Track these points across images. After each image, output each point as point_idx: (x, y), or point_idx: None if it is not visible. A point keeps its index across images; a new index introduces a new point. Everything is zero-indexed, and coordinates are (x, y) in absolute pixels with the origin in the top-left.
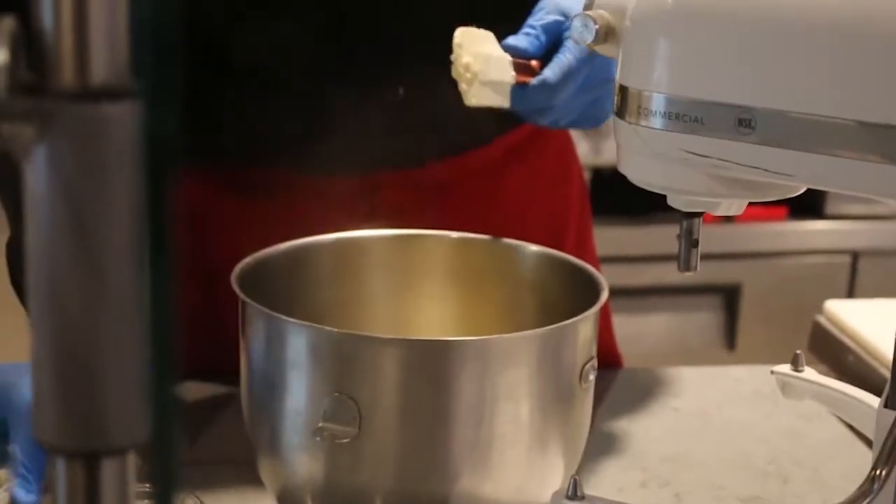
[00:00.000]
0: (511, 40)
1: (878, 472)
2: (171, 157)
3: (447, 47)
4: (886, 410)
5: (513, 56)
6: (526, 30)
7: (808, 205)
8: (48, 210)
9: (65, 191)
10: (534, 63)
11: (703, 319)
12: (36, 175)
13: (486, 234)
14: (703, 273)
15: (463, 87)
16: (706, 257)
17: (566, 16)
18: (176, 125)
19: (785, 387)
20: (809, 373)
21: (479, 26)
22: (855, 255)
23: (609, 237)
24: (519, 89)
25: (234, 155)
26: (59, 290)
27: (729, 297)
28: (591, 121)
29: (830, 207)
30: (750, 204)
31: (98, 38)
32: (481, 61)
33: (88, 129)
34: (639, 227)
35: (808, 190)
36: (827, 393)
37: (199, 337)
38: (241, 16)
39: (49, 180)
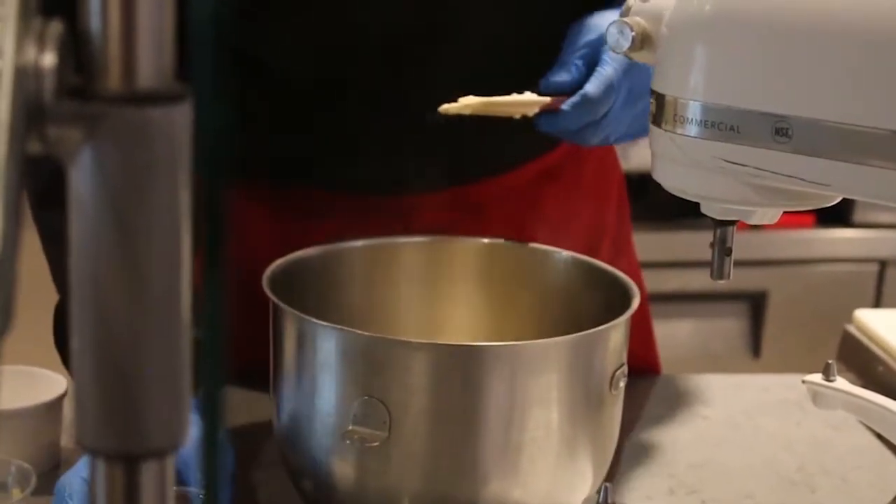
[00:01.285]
0: (552, 77)
1: None
2: (225, 156)
3: (487, 70)
4: None
5: (555, 92)
6: (564, 62)
7: (836, 213)
8: (92, 214)
9: (110, 194)
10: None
11: (729, 326)
12: (81, 179)
13: None
14: (729, 280)
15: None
16: (733, 264)
17: (599, 34)
18: (230, 124)
19: (816, 396)
20: (841, 382)
21: (514, 55)
22: (883, 264)
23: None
24: (563, 111)
25: (272, 171)
26: (102, 293)
27: (755, 305)
28: (641, 132)
29: (858, 216)
30: None
31: (145, 42)
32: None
33: (134, 133)
34: (664, 233)
35: None
36: (858, 403)
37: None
38: (288, 37)
39: (94, 184)
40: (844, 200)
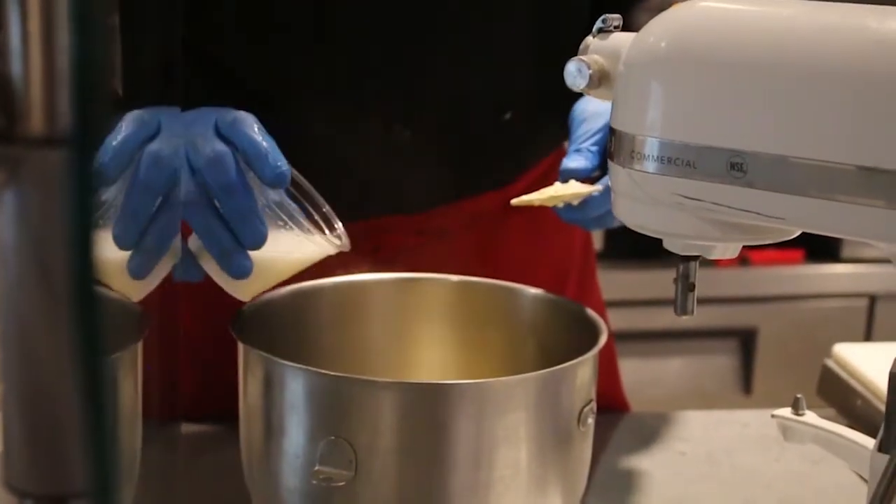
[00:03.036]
0: (569, 164)
1: None
2: (92, 209)
3: (456, 93)
4: (880, 454)
5: (574, 178)
6: (579, 149)
7: (825, 248)
8: (15, 257)
9: (32, 237)
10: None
11: (720, 363)
12: (3, 222)
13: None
14: (719, 316)
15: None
16: (722, 301)
17: (607, 120)
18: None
19: (786, 431)
20: (810, 416)
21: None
22: (872, 299)
23: (624, 281)
24: (587, 200)
25: None
26: (27, 338)
27: (745, 341)
28: None
29: (847, 251)
30: (766, 247)
31: (67, 85)
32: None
33: (56, 176)
34: (654, 271)
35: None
36: (827, 437)
37: (210, 376)
38: (257, 56)
39: (17, 227)
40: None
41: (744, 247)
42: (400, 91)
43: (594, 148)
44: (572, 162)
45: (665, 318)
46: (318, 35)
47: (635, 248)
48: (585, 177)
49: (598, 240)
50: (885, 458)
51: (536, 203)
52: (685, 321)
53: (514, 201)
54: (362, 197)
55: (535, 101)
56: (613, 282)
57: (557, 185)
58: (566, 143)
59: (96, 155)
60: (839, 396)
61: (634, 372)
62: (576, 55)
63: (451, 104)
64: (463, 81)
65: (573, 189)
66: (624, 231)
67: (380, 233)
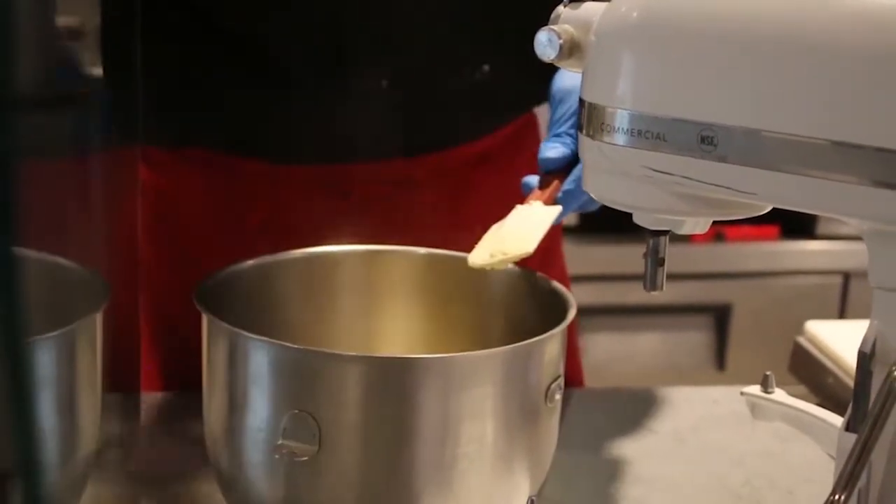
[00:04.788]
0: (547, 153)
1: (836, 496)
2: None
3: (434, 43)
4: (847, 434)
5: (551, 168)
6: (558, 134)
7: (800, 225)
8: None
9: None
10: None
11: (694, 339)
12: None
13: (456, 233)
14: (693, 292)
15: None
16: (697, 277)
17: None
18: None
19: (754, 408)
20: (779, 394)
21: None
22: (846, 276)
23: (598, 256)
24: (565, 194)
25: (213, 140)
26: None
27: (720, 317)
28: None
29: (822, 228)
30: (741, 224)
31: None
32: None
33: None
34: (628, 246)
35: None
36: (796, 415)
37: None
38: (237, 4)
39: None
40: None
41: (719, 223)
42: (377, 41)
43: (572, 130)
44: (550, 151)
45: (639, 294)
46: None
47: (609, 223)
48: (565, 164)
49: (572, 215)
50: (852, 437)
51: (488, 268)
52: (660, 297)
53: (470, 261)
54: (335, 141)
55: (514, 55)
56: (587, 257)
57: (518, 208)
58: (544, 118)
59: None
60: (811, 374)
61: (608, 348)
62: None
63: (428, 56)
64: (441, 34)
65: (524, 244)
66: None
67: (353, 181)
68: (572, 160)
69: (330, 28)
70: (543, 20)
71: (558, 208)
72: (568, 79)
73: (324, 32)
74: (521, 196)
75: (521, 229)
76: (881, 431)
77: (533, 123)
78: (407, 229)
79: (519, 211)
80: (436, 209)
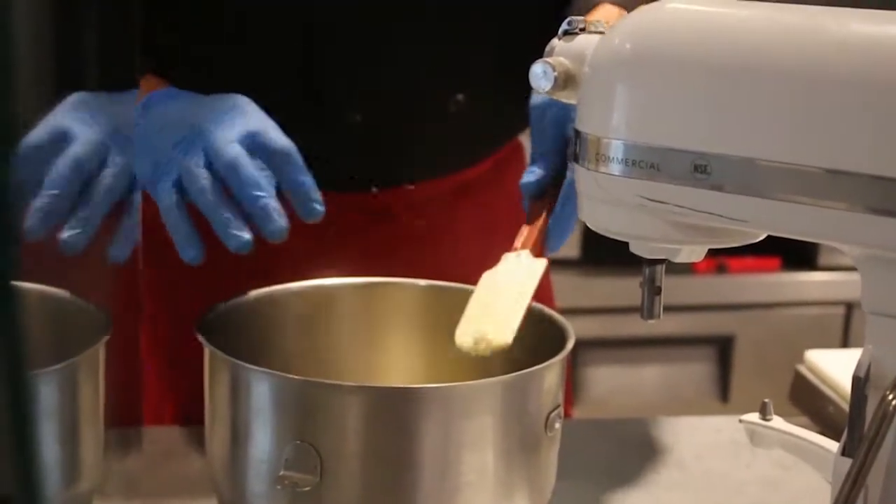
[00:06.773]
0: (525, 178)
1: None
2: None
3: (410, 76)
4: (843, 458)
5: (533, 193)
6: (535, 162)
7: (802, 256)
8: None
9: None
10: None
11: (697, 371)
12: None
13: (437, 265)
14: (696, 324)
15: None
16: (700, 308)
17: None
18: None
19: (753, 435)
20: (777, 421)
21: (449, 58)
22: (849, 307)
23: (602, 288)
24: (554, 221)
25: None
26: None
27: (722, 349)
28: None
29: (824, 259)
30: (743, 255)
31: None
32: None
33: None
34: (631, 278)
35: (801, 241)
36: (794, 442)
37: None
38: (212, 33)
39: None
40: (810, 243)
41: (721, 254)
42: (350, 75)
43: (554, 146)
44: (528, 175)
45: (642, 326)
46: (270, 19)
47: (612, 256)
48: (545, 188)
49: (575, 247)
50: (848, 461)
51: (473, 354)
52: (663, 328)
53: (457, 342)
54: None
55: (491, 85)
56: (591, 289)
57: (505, 258)
58: (524, 145)
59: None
60: (811, 402)
61: (612, 380)
62: (534, 41)
63: (401, 89)
64: (412, 65)
65: (506, 333)
66: (601, 238)
67: (329, 213)
68: (557, 177)
69: (301, 62)
70: (517, 48)
71: (544, 262)
72: (537, 97)
73: (295, 66)
74: (506, 224)
75: (507, 297)
76: (876, 455)
77: (519, 149)
78: (386, 262)
79: (506, 262)
80: (415, 242)
